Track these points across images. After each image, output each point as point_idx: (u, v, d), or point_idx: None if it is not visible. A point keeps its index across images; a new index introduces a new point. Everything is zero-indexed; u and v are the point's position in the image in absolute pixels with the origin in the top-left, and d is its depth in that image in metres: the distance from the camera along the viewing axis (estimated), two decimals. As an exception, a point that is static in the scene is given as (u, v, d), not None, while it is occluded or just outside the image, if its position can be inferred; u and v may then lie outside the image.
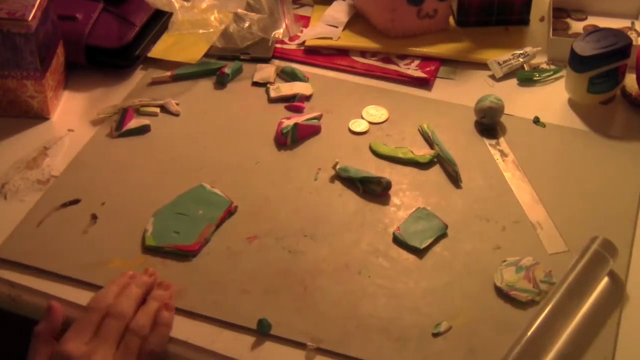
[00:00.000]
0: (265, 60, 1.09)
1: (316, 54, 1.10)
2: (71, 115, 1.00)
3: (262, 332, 0.74)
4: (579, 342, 0.73)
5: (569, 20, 1.17)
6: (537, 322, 0.72)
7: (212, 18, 1.07)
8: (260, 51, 1.10)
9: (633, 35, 1.11)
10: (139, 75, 1.06)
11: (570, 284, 0.75)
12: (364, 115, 1.00)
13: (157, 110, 1.00)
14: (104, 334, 0.71)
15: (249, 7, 1.11)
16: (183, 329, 0.75)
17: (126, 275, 0.77)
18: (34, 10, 0.92)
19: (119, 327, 0.72)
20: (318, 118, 0.98)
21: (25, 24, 0.91)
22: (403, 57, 1.10)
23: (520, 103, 1.02)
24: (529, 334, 0.71)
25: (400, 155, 0.93)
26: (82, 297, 0.77)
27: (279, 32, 1.11)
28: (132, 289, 0.76)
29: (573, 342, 0.73)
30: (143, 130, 0.97)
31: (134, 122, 0.97)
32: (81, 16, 1.05)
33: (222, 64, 1.06)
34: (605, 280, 0.79)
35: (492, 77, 1.07)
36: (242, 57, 1.09)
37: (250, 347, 0.74)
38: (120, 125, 0.97)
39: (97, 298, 0.75)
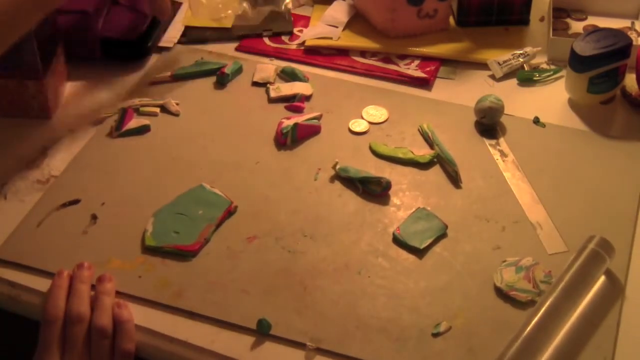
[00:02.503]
0: (288, 34, 1.13)
1: (316, 54, 1.10)
2: (71, 115, 1.00)
3: (262, 332, 0.74)
4: (576, 341, 0.73)
5: (569, 20, 1.17)
6: (534, 320, 0.72)
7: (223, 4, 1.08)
8: (281, 26, 1.14)
9: (633, 35, 1.11)
10: (141, 74, 1.06)
11: (567, 282, 0.75)
12: (363, 115, 1.00)
13: (157, 110, 1.00)
14: (73, 344, 0.72)
15: None
16: (183, 329, 0.75)
17: (62, 274, 0.77)
18: (34, 11, 0.92)
19: (83, 331, 0.73)
20: (318, 118, 0.98)
21: (26, 24, 0.91)
22: (403, 57, 1.10)
23: (520, 103, 1.02)
24: (525, 332, 0.71)
25: (400, 155, 0.93)
26: (82, 297, 0.77)
27: (288, 2, 1.14)
28: (79, 286, 0.76)
29: (570, 340, 0.73)
30: (143, 130, 0.97)
31: (134, 122, 0.97)
32: (92, 10, 1.05)
33: (222, 63, 1.06)
34: (602, 279, 0.79)
35: (492, 77, 1.07)
36: (264, 34, 1.11)
37: (250, 347, 0.74)
38: (120, 125, 0.97)
39: (50, 307, 0.74)
